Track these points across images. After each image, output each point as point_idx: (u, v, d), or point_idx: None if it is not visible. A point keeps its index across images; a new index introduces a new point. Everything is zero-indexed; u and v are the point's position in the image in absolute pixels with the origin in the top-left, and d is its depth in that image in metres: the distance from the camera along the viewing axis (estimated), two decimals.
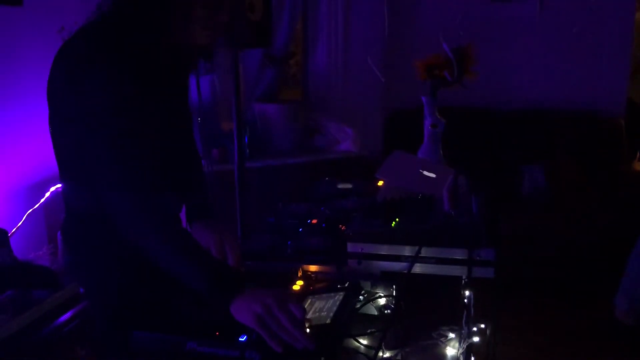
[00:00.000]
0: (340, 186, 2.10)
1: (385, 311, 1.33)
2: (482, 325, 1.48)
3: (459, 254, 1.37)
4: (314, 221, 1.72)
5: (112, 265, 1.32)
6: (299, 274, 1.41)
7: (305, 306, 1.22)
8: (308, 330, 1.09)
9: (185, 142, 1.47)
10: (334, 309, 1.22)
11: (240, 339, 1.10)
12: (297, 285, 1.34)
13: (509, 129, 3.76)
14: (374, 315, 1.34)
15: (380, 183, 2.02)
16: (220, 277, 1.15)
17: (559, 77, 3.87)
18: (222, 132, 3.34)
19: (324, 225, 1.68)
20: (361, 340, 1.20)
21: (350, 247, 1.44)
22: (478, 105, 3.81)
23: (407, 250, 1.41)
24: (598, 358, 2.75)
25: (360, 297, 1.34)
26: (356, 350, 1.18)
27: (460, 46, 2.02)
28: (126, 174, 1.16)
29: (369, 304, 1.33)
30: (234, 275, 1.19)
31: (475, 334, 1.39)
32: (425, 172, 1.84)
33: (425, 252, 1.39)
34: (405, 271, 1.35)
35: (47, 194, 2.32)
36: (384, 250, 1.43)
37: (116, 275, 1.32)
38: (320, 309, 1.23)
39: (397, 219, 1.48)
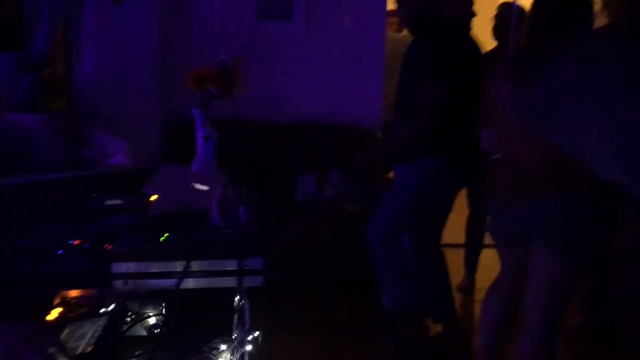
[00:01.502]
0: (108, 202, 1.98)
1: (155, 331, 1.28)
2: (256, 333, 1.51)
3: (229, 265, 1.38)
4: (77, 242, 1.59)
5: None
6: (56, 301, 1.28)
7: (64, 336, 1.12)
8: None
9: None
10: (97, 335, 1.14)
11: None
12: (54, 314, 1.22)
13: (283, 140, 3.95)
14: (144, 336, 1.28)
15: (154, 197, 1.95)
16: None
17: (324, 93, 4.18)
18: None
19: (87, 245, 1.56)
20: None
21: (116, 267, 1.36)
22: (253, 117, 3.93)
23: (178, 266, 1.38)
24: (365, 346, 3.02)
25: (128, 319, 1.27)
26: None
27: (228, 60, 2.05)
28: None
29: (137, 326, 1.27)
30: None
31: (248, 342, 1.41)
32: (197, 185, 1.83)
33: (195, 266, 1.37)
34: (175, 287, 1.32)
35: None
36: (153, 267, 1.38)
37: None
38: (81, 336, 1.14)
39: (166, 234, 1.45)
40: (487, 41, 3.42)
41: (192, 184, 1.83)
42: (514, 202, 1.98)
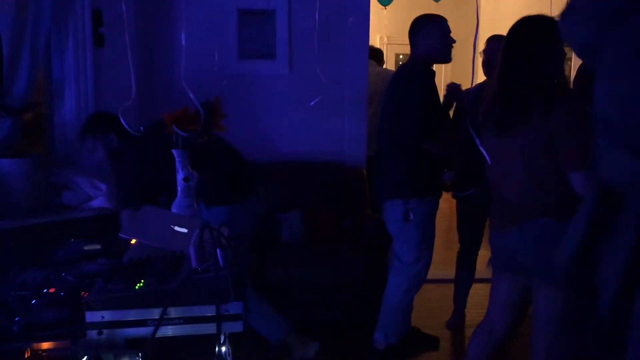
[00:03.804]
0: (87, 248, 1.93)
1: None
2: None
3: (208, 311, 1.34)
4: (51, 290, 1.53)
5: None
6: (27, 354, 1.22)
7: None
8: None
9: None
10: None
11: None
12: None
13: (266, 180, 3.91)
14: None
15: (134, 241, 1.91)
16: None
17: (309, 132, 4.18)
18: None
19: (62, 294, 1.50)
20: None
21: (90, 316, 1.31)
22: None
23: (155, 313, 1.33)
24: None
25: None
26: None
27: (208, 100, 2.04)
28: None
29: None
30: None
31: None
32: (177, 227, 1.79)
33: (173, 312, 1.33)
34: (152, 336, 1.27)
35: None
36: (128, 316, 1.33)
37: None
38: None
39: (142, 281, 1.40)
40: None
41: (172, 226, 1.79)
42: (501, 230, 2.04)
